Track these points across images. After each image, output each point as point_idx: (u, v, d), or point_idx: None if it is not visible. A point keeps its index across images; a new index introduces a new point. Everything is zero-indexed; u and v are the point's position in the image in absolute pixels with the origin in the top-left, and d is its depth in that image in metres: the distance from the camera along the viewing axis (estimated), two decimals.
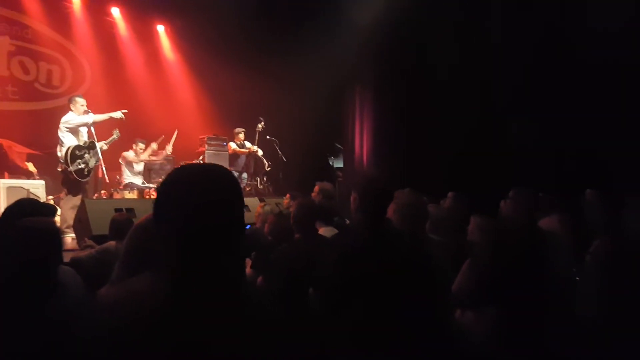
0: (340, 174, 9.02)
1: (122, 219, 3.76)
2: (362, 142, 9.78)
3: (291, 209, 3.58)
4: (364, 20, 9.01)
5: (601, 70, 6.09)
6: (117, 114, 6.40)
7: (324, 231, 3.77)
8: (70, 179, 5.98)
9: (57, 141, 6.11)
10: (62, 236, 1.89)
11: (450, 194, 5.34)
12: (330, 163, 9.26)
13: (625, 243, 2.41)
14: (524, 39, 6.96)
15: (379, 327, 2.02)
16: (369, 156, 9.50)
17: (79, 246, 5.03)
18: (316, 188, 4.77)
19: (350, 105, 10.04)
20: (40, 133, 7.69)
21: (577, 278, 3.17)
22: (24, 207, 2.36)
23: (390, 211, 2.79)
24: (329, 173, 8.83)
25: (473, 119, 7.44)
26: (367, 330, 2.04)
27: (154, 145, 7.85)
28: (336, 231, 3.70)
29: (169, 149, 7.95)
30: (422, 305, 2.11)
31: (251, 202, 6.20)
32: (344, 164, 9.75)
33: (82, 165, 6.05)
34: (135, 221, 3.51)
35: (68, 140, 6.05)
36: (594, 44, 6.05)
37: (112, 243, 3.65)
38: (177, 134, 8.24)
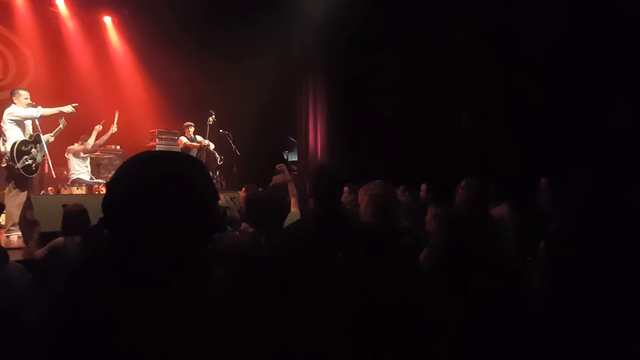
0: (294, 167, 9.10)
1: (78, 210, 3.64)
2: (315, 136, 9.89)
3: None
4: (314, 11, 9.10)
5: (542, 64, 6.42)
6: (68, 108, 6.19)
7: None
8: (17, 175, 5.77)
9: (0, 135, 5.87)
10: None
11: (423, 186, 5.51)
12: (285, 157, 9.33)
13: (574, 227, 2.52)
14: (471, 27, 7.21)
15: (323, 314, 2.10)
16: (323, 149, 9.62)
17: (26, 244, 4.89)
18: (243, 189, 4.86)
19: (303, 98, 10.13)
20: None
21: (529, 264, 3.35)
22: None
23: (363, 203, 2.86)
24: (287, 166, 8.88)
25: (425, 110, 7.68)
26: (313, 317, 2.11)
27: (98, 127, 7.63)
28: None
29: (113, 128, 7.70)
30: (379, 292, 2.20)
31: None
32: (299, 158, 9.86)
33: (30, 161, 5.84)
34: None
35: (13, 134, 5.81)
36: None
37: (60, 240, 3.58)
38: (126, 128, 8.06)
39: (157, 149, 8.31)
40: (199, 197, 1.02)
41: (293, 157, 9.67)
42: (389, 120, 7.95)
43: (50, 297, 0.94)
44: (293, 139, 9.65)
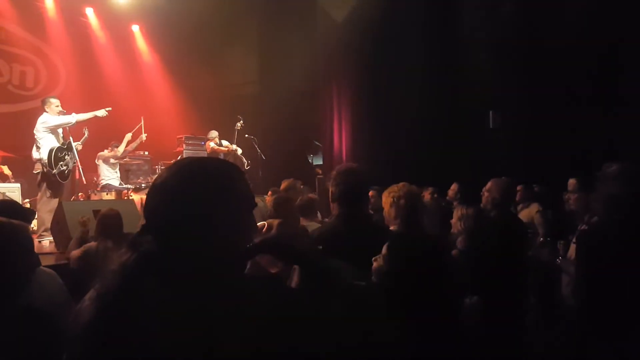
0: (319, 171, 9.08)
1: (112, 214, 3.69)
2: (340, 139, 9.84)
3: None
4: (340, 16, 9.08)
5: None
6: (102, 112, 6.36)
7: (307, 226, 3.83)
8: (52, 181, 5.90)
9: (33, 143, 6.01)
10: (29, 236, 1.88)
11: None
12: (310, 160, 9.32)
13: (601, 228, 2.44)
14: (494, 35, 7.10)
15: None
16: (348, 152, 9.57)
17: (58, 250, 4.99)
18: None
19: (327, 102, 10.10)
20: (14, 136, 7.57)
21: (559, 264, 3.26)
22: (2, 208, 2.36)
23: (386, 206, 2.80)
24: (309, 170, 8.88)
25: (452, 111, 7.58)
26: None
27: (128, 135, 7.77)
28: (315, 225, 3.75)
29: (143, 137, 7.80)
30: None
31: None
32: (323, 161, 9.82)
33: (64, 167, 5.98)
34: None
35: (47, 142, 5.94)
36: None
37: (93, 244, 3.61)
38: (154, 134, 8.18)
39: (184, 155, 8.41)
40: (242, 202, 1.02)
41: (318, 161, 9.65)
42: (415, 122, 7.86)
43: (97, 304, 0.93)
44: (318, 143, 9.63)
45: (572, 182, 4.92)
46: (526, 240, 3.45)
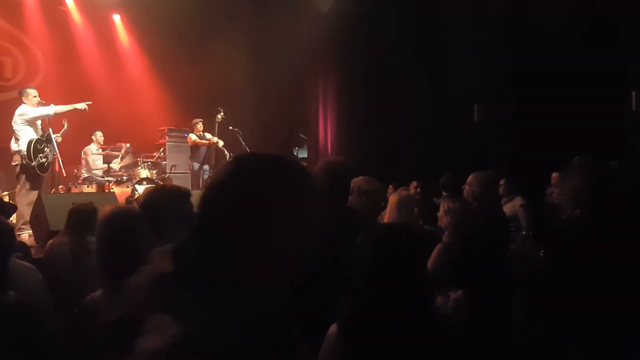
0: (304, 163, 9.05)
1: (87, 209, 3.38)
2: (325, 132, 9.83)
3: None
4: (324, 6, 9.02)
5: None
6: (81, 105, 6.24)
7: None
8: (31, 173, 5.79)
9: (12, 135, 5.89)
10: (10, 231, 1.84)
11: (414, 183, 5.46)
12: (295, 153, 9.30)
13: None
14: (481, 26, 7.12)
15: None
16: (333, 145, 9.56)
17: (37, 243, 4.90)
18: None
19: (313, 94, 10.06)
20: None
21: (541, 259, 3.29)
22: None
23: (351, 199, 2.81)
24: None
25: (437, 104, 7.59)
26: None
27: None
28: None
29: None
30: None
31: None
32: (308, 154, 9.80)
33: (43, 160, 5.87)
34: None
35: (26, 134, 5.83)
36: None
37: (59, 238, 3.43)
38: (136, 126, 8.08)
39: (167, 146, 8.32)
40: (307, 200, 0.87)
41: (303, 154, 9.63)
42: (401, 115, 7.85)
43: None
44: (303, 136, 9.60)
45: (555, 175, 4.96)
46: (508, 233, 3.48)
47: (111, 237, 1.76)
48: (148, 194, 2.23)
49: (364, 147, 8.20)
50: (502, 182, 4.77)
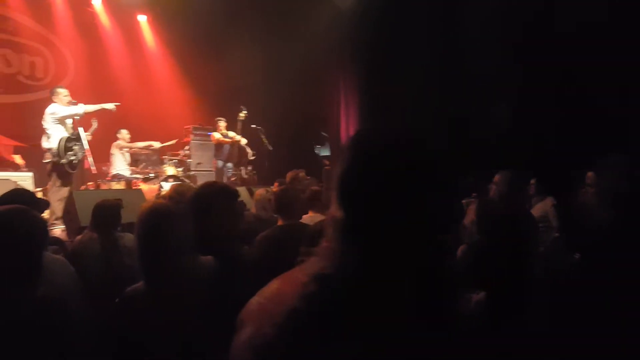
0: (326, 162, 9.10)
1: (111, 204, 3.44)
2: (347, 130, 9.85)
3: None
4: (345, 4, 9.04)
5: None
6: (110, 105, 6.39)
7: (310, 217, 3.87)
8: (62, 170, 5.99)
9: (43, 133, 6.09)
10: (45, 225, 1.90)
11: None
12: (317, 151, 9.35)
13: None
14: (505, 30, 7.04)
15: None
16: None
17: (69, 238, 5.07)
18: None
19: (334, 92, 10.10)
20: (25, 125, 7.66)
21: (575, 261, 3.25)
22: (16, 197, 2.42)
23: None
24: (316, 161, 8.91)
25: (463, 100, 7.53)
26: None
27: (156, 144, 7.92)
28: (321, 217, 3.78)
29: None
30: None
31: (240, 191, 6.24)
32: (331, 152, 9.84)
33: (73, 157, 6.06)
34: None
35: (56, 132, 6.02)
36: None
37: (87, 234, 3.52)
38: (162, 124, 8.26)
39: (191, 145, 8.48)
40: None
41: (325, 152, 9.67)
42: (424, 112, 7.82)
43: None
44: (324, 133, 9.64)
45: (590, 175, 4.86)
46: (535, 234, 3.43)
47: (150, 232, 1.83)
48: (201, 188, 2.31)
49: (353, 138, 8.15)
50: (532, 181, 4.69)
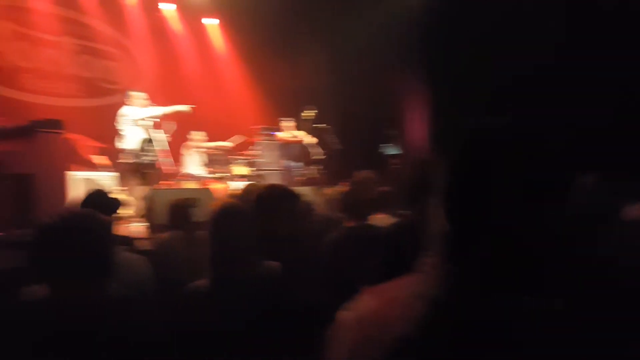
0: (396, 160, 8.92)
1: (184, 204, 3.59)
2: (416, 128, 9.61)
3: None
4: None
5: None
6: (184, 107, 6.58)
7: (379, 218, 3.78)
8: (138, 170, 6.27)
9: (119, 134, 6.40)
10: (108, 226, 1.93)
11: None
12: (384, 150, 9.19)
13: None
14: None
15: None
16: (427, 141, 9.30)
17: (150, 235, 5.28)
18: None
19: (404, 88, 9.87)
20: (107, 127, 8.08)
21: None
22: (87, 199, 2.52)
23: None
24: (385, 160, 8.76)
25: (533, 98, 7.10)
26: None
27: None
28: (389, 219, 3.67)
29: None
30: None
31: (305, 191, 6.24)
32: (400, 151, 9.61)
33: (148, 157, 6.33)
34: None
35: (131, 133, 6.31)
36: None
37: (166, 234, 3.65)
38: (231, 125, 8.45)
39: (259, 144, 8.61)
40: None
41: (394, 150, 9.47)
42: (500, 106, 7.41)
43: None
44: (394, 131, 9.45)
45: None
46: None
47: (221, 230, 1.84)
48: (262, 191, 2.32)
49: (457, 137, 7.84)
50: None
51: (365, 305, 0.80)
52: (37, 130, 4.73)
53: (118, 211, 3.31)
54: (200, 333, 1.76)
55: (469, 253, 0.75)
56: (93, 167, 7.51)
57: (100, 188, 3.13)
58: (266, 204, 2.17)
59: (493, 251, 0.74)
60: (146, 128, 6.50)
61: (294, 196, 2.25)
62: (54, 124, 4.99)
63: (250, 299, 1.78)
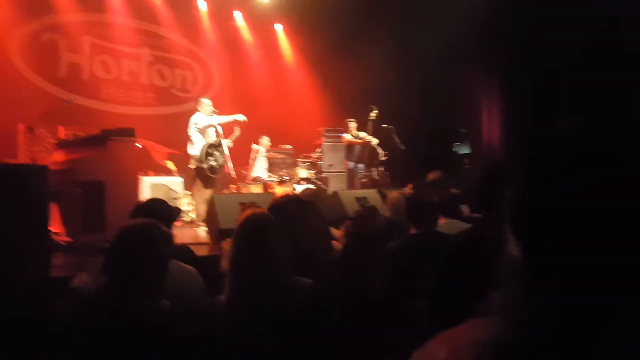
0: (467, 160, 8.50)
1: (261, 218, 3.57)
2: (490, 125, 9.09)
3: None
4: None
5: None
6: (241, 117, 6.71)
7: (445, 224, 3.53)
8: (203, 175, 6.41)
9: (188, 140, 6.58)
10: (168, 237, 1.90)
11: None
12: (456, 149, 8.80)
13: None
14: None
15: None
16: (499, 139, 8.79)
17: (211, 240, 5.34)
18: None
19: (472, 84, 9.38)
20: (177, 134, 8.35)
21: None
22: (145, 208, 2.51)
23: None
24: (455, 160, 8.38)
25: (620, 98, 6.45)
26: None
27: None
28: (458, 224, 3.42)
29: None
30: None
31: (369, 193, 6.07)
32: (471, 150, 9.16)
33: (214, 163, 6.46)
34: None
35: (198, 139, 6.48)
36: None
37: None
38: (296, 127, 8.44)
39: (323, 146, 8.53)
40: None
41: (465, 150, 9.03)
42: (578, 102, 6.82)
43: None
44: (464, 130, 9.02)
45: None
46: None
47: (246, 243, 1.75)
48: (276, 201, 2.25)
49: (535, 140, 7.31)
50: None
51: (433, 356, 0.64)
52: (109, 139, 4.89)
53: (179, 218, 3.33)
54: (224, 349, 1.67)
55: (555, 290, 0.58)
56: (163, 172, 7.78)
57: (158, 198, 3.13)
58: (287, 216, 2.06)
59: (588, 287, 0.57)
60: (211, 134, 6.63)
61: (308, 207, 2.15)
62: (125, 132, 5.16)
63: (274, 317, 1.66)
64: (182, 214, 6.58)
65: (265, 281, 1.67)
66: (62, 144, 5.56)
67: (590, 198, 0.58)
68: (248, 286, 1.71)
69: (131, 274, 1.72)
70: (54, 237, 4.25)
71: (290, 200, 2.45)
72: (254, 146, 8.27)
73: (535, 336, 0.57)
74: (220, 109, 6.84)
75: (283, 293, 1.69)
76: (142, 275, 1.74)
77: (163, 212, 2.62)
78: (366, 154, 8.38)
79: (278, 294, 1.68)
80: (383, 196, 5.69)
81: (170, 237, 1.93)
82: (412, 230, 3.10)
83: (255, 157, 8.32)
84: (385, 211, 4.51)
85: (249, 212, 1.84)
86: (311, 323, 1.64)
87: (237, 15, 10.78)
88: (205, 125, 6.51)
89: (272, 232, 1.75)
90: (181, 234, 6.15)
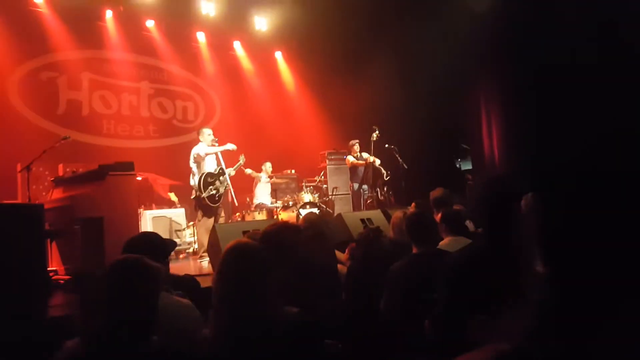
0: (469, 176, 8.42)
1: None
2: (491, 141, 9.02)
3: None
4: (481, 8, 8.35)
5: None
6: (231, 146, 6.70)
7: (450, 241, 3.45)
8: (204, 204, 6.35)
9: (190, 171, 6.56)
10: (157, 273, 1.83)
11: None
12: (458, 166, 8.72)
13: None
14: None
15: None
16: (501, 155, 8.71)
17: (213, 270, 5.26)
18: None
19: (474, 101, 9.34)
20: (179, 165, 8.36)
21: None
22: (138, 243, 2.45)
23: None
24: (457, 177, 8.29)
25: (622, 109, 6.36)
26: None
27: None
28: (464, 241, 3.33)
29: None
30: None
31: (374, 214, 5.99)
32: (473, 166, 9.09)
33: (214, 192, 6.40)
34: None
35: (198, 169, 6.46)
36: None
37: None
38: (299, 152, 8.42)
39: (327, 169, 8.50)
40: None
41: (467, 166, 8.96)
42: (576, 119, 6.75)
43: None
44: (466, 146, 8.96)
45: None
46: None
47: (229, 273, 1.68)
48: (266, 229, 2.20)
49: (535, 155, 7.24)
50: None
51: None
52: (107, 174, 4.86)
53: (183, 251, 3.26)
54: None
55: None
56: (166, 204, 7.75)
57: (151, 232, 3.06)
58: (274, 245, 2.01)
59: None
60: (210, 164, 6.60)
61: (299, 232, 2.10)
62: (124, 166, 5.12)
63: (258, 351, 1.57)
64: (180, 246, 6.51)
65: (249, 313, 1.59)
66: (59, 181, 5.54)
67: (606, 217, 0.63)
68: (231, 319, 1.63)
69: (118, 311, 1.67)
70: (53, 275, 4.19)
71: (281, 228, 2.38)
72: (248, 171, 8.19)
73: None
74: (222, 138, 6.83)
75: (268, 326, 1.61)
76: (128, 312, 1.68)
77: (155, 245, 2.55)
78: (370, 174, 8.31)
79: (263, 327, 1.60)
80: (388, 216, 5.61)
81: (158, 271, 1.86)
82: (414, 250, 3.02)
83: (256, 184, 8.28)
84: (390, 231, 4.43)
85: (232, 242, 1.77)
86: (298, 354, 1.55)
87: (237, 45, 10.88)
88: (203, 156, 6.49)
89: (256, 262, 1.68)
90: (184, 266, 6.09)
